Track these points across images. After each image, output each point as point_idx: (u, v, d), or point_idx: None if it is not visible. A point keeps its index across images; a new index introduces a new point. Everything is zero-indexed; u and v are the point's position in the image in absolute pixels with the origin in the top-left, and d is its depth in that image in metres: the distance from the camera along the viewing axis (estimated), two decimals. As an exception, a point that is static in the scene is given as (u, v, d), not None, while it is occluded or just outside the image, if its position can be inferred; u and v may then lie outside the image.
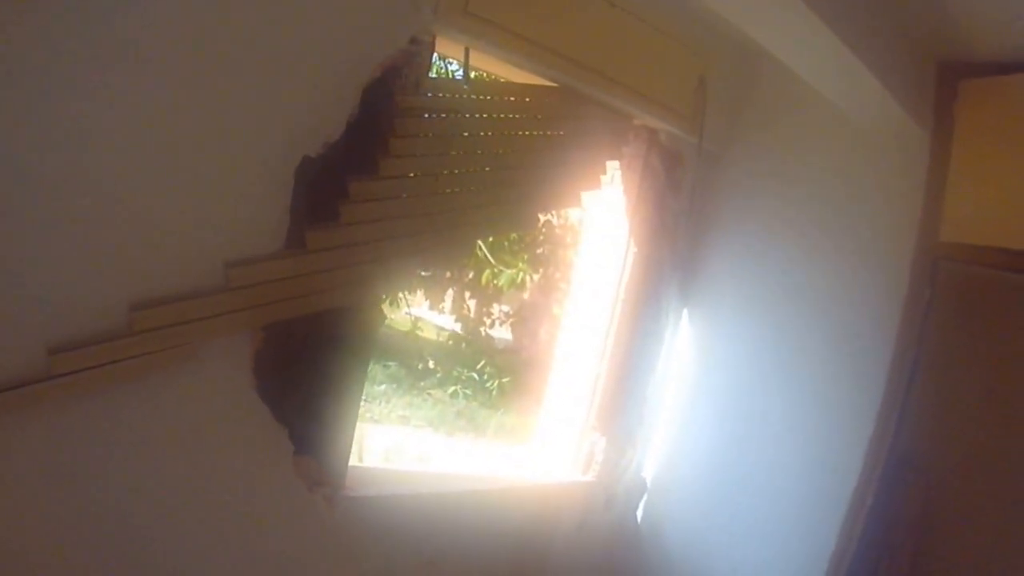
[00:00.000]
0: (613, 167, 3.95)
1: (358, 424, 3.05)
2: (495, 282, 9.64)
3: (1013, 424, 3.34)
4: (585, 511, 4.17)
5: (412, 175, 2.85)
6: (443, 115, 2.94)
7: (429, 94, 2.88)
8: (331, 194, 2.63)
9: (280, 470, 2.78)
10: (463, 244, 3.18)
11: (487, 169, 3.14)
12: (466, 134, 3.05)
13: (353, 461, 3.07)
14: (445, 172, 2.96)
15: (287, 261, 2.56)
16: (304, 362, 2.72)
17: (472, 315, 11.94)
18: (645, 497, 4.47)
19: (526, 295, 11.54)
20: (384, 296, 3.08)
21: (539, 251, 10.78)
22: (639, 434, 4.36)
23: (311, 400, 2.76)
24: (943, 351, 3.55)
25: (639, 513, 4.48)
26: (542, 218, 10.17)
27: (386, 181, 2.74)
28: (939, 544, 3.46)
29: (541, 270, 10.93)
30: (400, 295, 9.89)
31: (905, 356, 3.55)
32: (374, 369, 10.39)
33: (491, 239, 9.47)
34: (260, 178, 2.50)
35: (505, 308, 11.94)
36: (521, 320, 11.78)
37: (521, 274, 9.71)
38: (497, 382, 10.86)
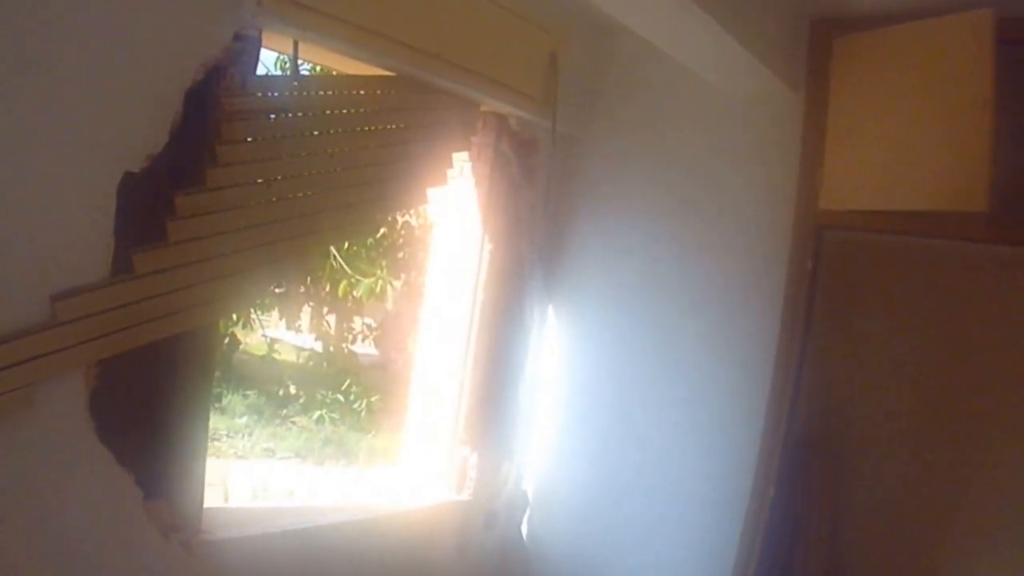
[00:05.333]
0: (461, 159, 3.94)
1: (222, 462, 3.00)
2: (354, 293, 9.53)
3: (922, 389, 3.47)
4: (463, 533, 4.14)
5: (244, 184, 2.79)
6: (273, 116, 2.90)
7: (258, 94, 2.83)
8: (158, 211, 2.55)
9: (130, 518, 2.67)
10: (309, 254, 3.15)
11: (328, 171, 3.11)
12: (301, 135, 3.00)
13: (219, 502, 3.01)
14: (280, 178, 2.91)
15: (115, 289, 2.47)
16: (143, 397, 2.64)
17: (333, 331, 11.79)
18: (528, 512, 4.49)
19: (389, 305, 11.46)
20: (225, 317, 3.03)
21: (400, 255, 10.70)
22: (514, 444, 4.37)
23: (155, 438, 2.67)
24: (835, 323, 3.65)
25: (523, 529, 4.49)
26: (399, 220, 10.11)
27: (215, 192, 2.67)
28: (856, 523, 3.56)
29: (403, 276, 10.86)
30: (253, 316, 9.69)
31: (793, 332, 3.61)
32: (233, 400, 10.17)
33: (346, 247, 9.37)
34: (79, 200, 2.39)
35: (368, 320, 11.83)
36: (385, 332, 11.68)
37: (381, 282, 9.62)
38: (365, 402, 10.74)
